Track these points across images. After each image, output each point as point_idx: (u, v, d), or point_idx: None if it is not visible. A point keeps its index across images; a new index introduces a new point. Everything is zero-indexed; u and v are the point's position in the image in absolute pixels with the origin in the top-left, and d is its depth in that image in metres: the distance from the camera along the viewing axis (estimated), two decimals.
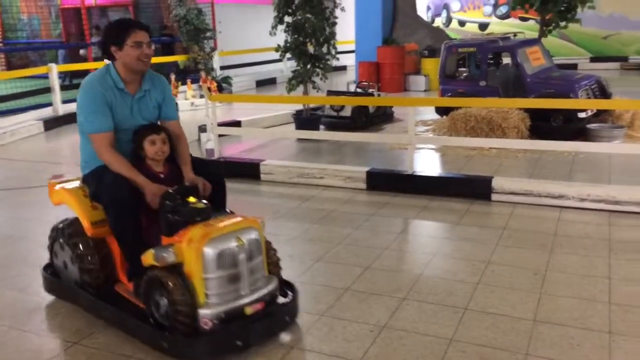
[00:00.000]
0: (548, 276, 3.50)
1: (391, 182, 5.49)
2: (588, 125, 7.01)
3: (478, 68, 8.18)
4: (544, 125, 7.04)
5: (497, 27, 18.30)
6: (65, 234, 3.12)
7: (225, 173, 6.02)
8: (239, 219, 2.82)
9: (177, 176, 3.07)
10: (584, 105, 6.82)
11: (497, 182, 5.05)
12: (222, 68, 14.12)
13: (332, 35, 7.56)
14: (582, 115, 6.96)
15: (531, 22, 13.34)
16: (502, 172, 5.80)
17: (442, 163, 6.62)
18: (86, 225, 3.01)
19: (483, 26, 19.02)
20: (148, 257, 2.69)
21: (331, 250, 4.02)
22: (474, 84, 7.89)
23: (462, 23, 19.46)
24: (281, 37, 7.55)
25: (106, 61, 3.16)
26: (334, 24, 7.60)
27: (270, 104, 10.03)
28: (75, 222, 3.10)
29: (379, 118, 8.83)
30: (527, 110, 7.02)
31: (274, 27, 7.46)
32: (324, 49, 7.57)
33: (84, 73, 12.60)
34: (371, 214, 4.83)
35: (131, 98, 3.09)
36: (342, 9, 7.75)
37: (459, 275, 3.57)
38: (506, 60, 8.36)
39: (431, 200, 5.10)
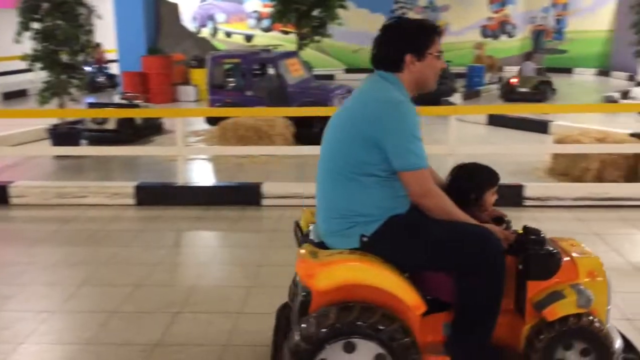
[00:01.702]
0: None
1: (162, 195, 5.35)
2: None
3: (244, 78, 8.45)
4: (306, 131, 7.56)
5: (262, 39, 19.13)
6: (364, 326, 2.09)
7: None
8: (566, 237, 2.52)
9: None
10: None
11: (267, 188, 5.27)
12: None
13: (89, 43, 7.08)
14: None
15: (292, 35, 14.26)
16: (272, 178, 6.08)
17: (214, 172, 6.69)
18: (416, 302, 2.14)
19: (249, 38, 19.71)
20: (563, 307, 2.16)
21: (97, 273, 3.76)
22: (241, 94, 8.14)
23: (228, 34, 19.89)
24: (30, 44, 6.83)
25: None
26: (90, 31, 7.14)
27: (19, 119, 8.92)
28: (367, 306, 2.11)
29: (148, 130, 8.53)
30: (290, 118, 7.46)
31: (19, 33, 6.71)
32: (80, 58, 7.06)
33: None
34: (141, 229, 4.65)
35: None
36: (98, 16, 7.31)
37: (233, 281, 3.63)
38: (270, 71, 8.79)
39: (205, 210, 5.10)
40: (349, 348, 2.11)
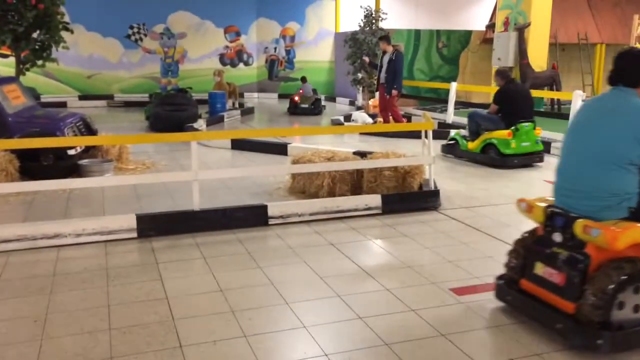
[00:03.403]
0: (49, 319, 3.35)
1: None
2: (79, 162, 7.14)
3: None
4: (34, 165, 6.78)
5: None
6: None
7: None
8: None
9: None
10: (72, 142, 6.89)
11: None
12: None
13: None
14: (71, 152, 7.05)
15: (12, 59, 12.72)
16: None
17: None
18: None
19: None
20: None
21: None
22: None
23: None
24: None
25: None
26: None
27: None
28: None
29: None
30: (14, 151, 6.60)
31: None
32: None
33: None
34: None
35: None
36: None
37: None
38: None
39: None
40: (637, 290, 2.93)
